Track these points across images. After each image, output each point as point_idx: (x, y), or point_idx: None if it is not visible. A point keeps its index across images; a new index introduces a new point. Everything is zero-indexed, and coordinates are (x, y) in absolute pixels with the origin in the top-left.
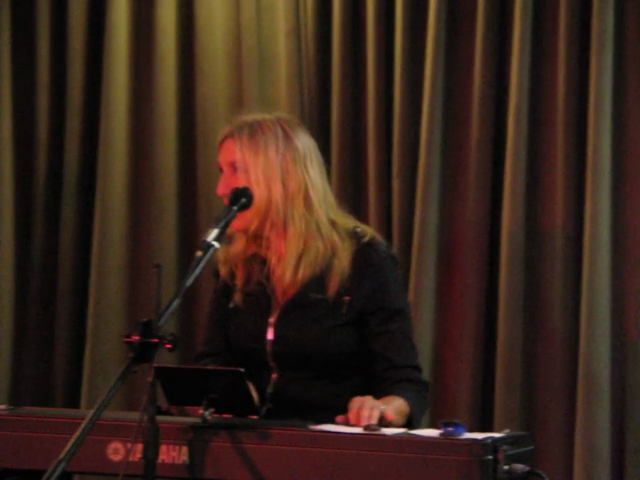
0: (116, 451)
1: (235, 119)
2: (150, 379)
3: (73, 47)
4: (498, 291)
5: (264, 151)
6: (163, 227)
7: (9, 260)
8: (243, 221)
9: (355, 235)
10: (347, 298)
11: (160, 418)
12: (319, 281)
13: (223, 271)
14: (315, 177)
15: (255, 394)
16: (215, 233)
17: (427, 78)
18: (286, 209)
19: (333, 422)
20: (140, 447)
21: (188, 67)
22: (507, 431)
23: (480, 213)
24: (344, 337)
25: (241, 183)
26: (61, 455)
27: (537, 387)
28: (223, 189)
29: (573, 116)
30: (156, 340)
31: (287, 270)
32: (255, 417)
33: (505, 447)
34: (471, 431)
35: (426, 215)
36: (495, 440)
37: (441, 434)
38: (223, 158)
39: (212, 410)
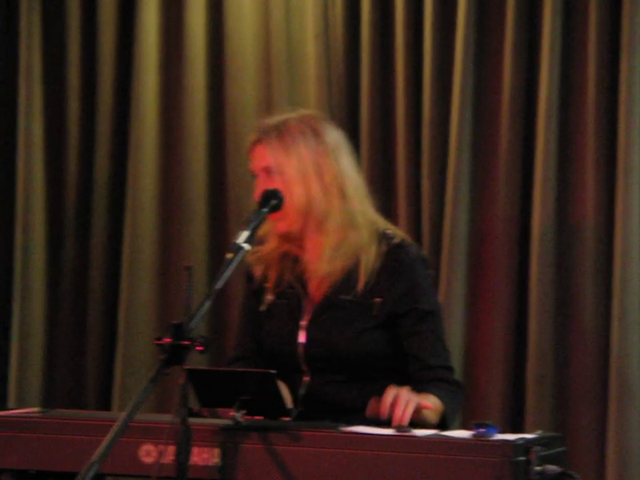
0: (148, 453)
1: (259, 124)
2: (181, 381)
3: (103, 51)
4: (528, 290)
5: (295, 150)
6: (193, 229)
7: (40, 264)
8: (286, 223)
9: (385, 236)
10: (377, 300)
11: (192, 420)
12: (348, 280)
13: (257, 271)
14: (348, 167)
15: (286, 396)
16: (245, 235)
17: (456, 77)
18: (324, 203)
19: (364, 424)
20: (172, 449)
21: (217, 70)
22: (539, 432)
23: (510, 212)
24: (376, 338)
25: (277, 185)
26: (94, 457)
27: (568, 387)
28: (260, 194)
29: (603, 113)
30: (187, 342)
31: (324, 263)
32: (287, 419)
33: (537, 448)
34: (502, 432)
35: (456, 214)
36: (527, 441)
37: (472, 435)
38: (256, 164)
39: (243, 412)
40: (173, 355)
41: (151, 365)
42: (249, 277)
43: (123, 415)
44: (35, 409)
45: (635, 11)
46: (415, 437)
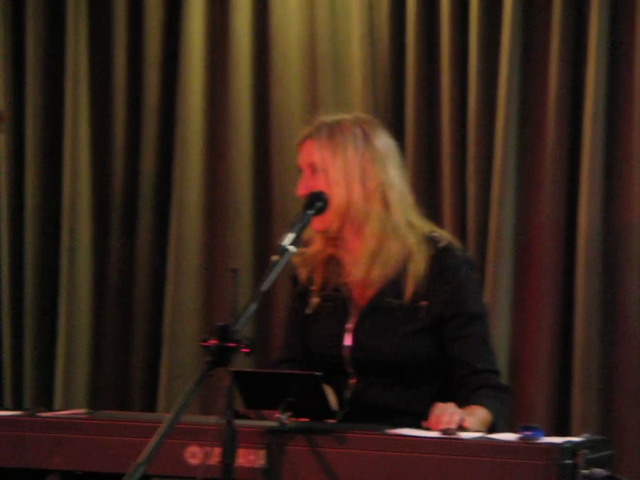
0: (193, 455)
1: (314, 119)
2: (227, 383)
3: (149, 54)
4: (575, 292)
5: (343, 151)
6: (239, 231)
7: (86, 266)
8: (323, 222)
9: (431, 240)
10: (423, 303)
11: (237, 422)
12: (394, 285)
13: (302, 273)
14: (394, 177)
15: (332, 398)
16: (290, 237)
17: (501, 78)
18: (364, 208)
19: (410, 426)
20: (217, 450)
21: (262, 72)
22: (586, 435)
23: (556, 214)
24: (422, 342)
25: (321, 183)
26: (140, 459)
27: (615, 390)
28: (302, 189)
29: None
30: (233, 344)
31: (360, 269)
32: (332, 421)
33: (584, 451)
34: (548, 435)
35: (501, 216)
36: (573, 444)
37: (519, 438)
38: (302, 159)
39: (289, 414)
40: (219, 357)
41: (197, 366)
42: (295, 280)
43: (169, 416)
44: (81, 411)
45: None
46: (460, 439)
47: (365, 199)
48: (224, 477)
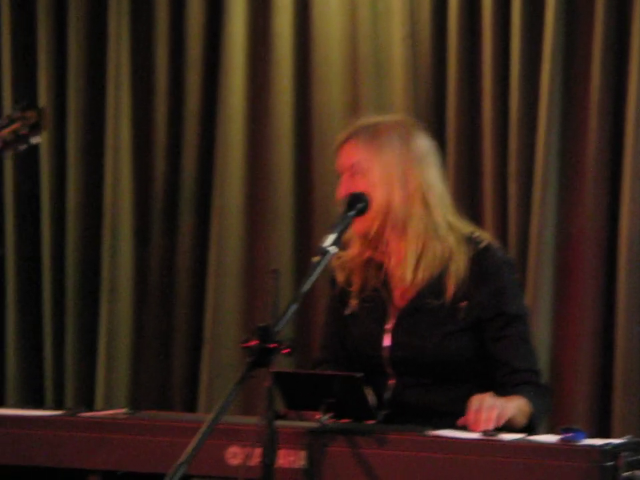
0: (234, 455)
1: (353, 122)
2: (268, 384)
3: (191, 55)
4: (616, 294)
5: (383, 153)
6: (280, 232)
7: (127, 265)
8: (364, 224)
9: (471, 240)
10: (463, 304)
11: (278, 422)
12: (435, 285)
13: (340, 276)
14: (434, 178)
15: (372, 399)
16: (331, 238)
17: (543, 80)
18: (405, 210)
19: (451, 427)
20: (258, 451)
21: (304, 73)
22: (628, 437)
23: (598, 216)
24: (461, 342)
25: (361, 185)
26: (181, 459)
27: None
28: (342, 192)
29: None
30: (274, 345)
31: (407, 271)
32: (373, 422)
33: (625, 453)
34: (588, 437)
35: (543, 218)
36: (614, 446)
37: (560, 440)
38: (342, 162)
39: (329, 415)
40: (260, 358)
41: (237, 367)
42: (333, 282)
43: (210, 416)
44: (122, 410)
45: None
46: (501, 441)
47: (405, 201)
48: (264, 478)
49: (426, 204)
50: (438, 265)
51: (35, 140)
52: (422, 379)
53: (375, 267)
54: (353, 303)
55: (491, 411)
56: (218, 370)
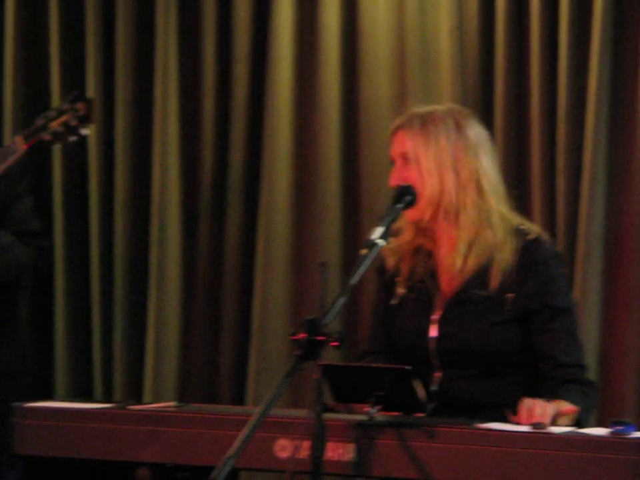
0: (283, 448)
1: (406, 110)
2: (316, 377)
3: (238, 49)
4: None
5: (435, 140)
6: (327, 224)
7: (175, 259)
8: (417, 212)
9: (520, 232)
10: (510, 295)
11: (326, 415)
12: (481, 276)
13: (390, 262)
14: (487, 166)
15: (422, 392)
16: (379, 231)
17: (592, 73)
18: (458, 197)
19: (498, 419)
20: (307, 444)
21: (351, 66)
22: None
23: None
24: (508, 334)
25: (413, 173)
26: (230, 452)
27: None
28: (395, 180)
29: None
30: (322, 337)
31: (458, 258)
32: (421, 415)
33: None
34: (639, 430)
35: (591, 211)
36: None
37: (610, 433)
38: (395, 149)
39: (378, 407)
40: (308, 350)
41: (285, 360)
42: (381, 270)
43: (259, 409)
44: (171, 403)
45: None
46: (551, 434)
47: (458, 188)
48: (313, 470)
49: (480, 191)
50: (487, 253)
51: (84, 131)
52: (468, 371)
53: (425, 255)
54: (400, 292)
55: (547, 407)
56: (266, 363)
